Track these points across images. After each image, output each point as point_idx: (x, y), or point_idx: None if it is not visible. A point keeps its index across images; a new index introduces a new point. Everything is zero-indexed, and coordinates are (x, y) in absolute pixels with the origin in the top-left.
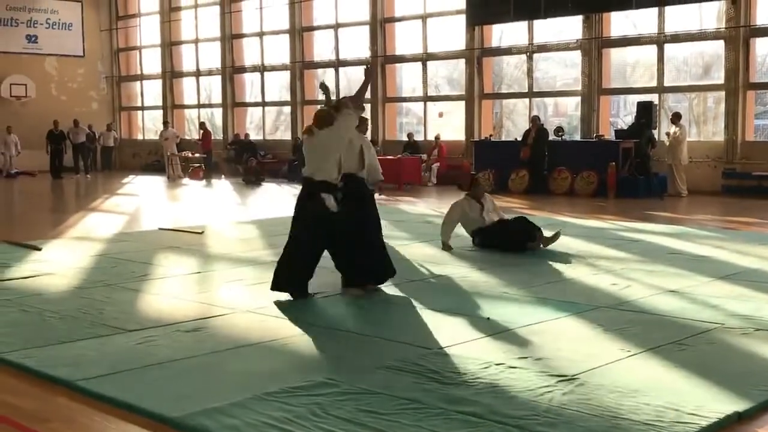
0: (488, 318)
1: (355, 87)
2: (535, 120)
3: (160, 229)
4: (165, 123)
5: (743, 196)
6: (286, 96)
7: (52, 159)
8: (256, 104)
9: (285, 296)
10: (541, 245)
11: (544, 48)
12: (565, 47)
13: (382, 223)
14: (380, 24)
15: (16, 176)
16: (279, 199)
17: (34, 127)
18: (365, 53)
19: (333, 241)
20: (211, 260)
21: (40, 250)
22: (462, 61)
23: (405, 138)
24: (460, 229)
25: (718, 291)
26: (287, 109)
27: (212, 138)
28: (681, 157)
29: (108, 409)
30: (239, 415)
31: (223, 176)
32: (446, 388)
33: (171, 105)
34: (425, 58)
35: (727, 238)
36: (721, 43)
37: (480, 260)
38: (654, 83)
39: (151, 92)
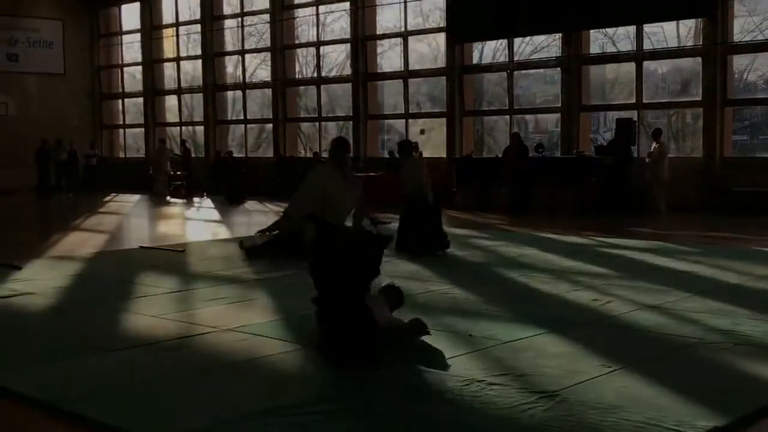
0: (470, 334)
1: (337, 105)
2: (515, 137)
3: (141, 247)
4: (162, 141)
5: (722, 212)
6: (268, 113)
7: (41, 178)
8: (238, 122)
9: (267, 316)
10: None
11: (524, 65)
12: (544, 64)
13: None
14: (361, 41)
15: None
16: (261, 217)
17: (14, 146)
18: (347, 70)
19: None
20: (193, 279)
21: (20, 269)
22: (443, 79)
23: (386, 155)
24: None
25: (697, 306)
26: (269, 126)
27: (192, 155)
28: (661, 174)
29: (89, 430)
30: None
31: (205, 194)
32: (427, 406)
33: (153, 123)
34: (407, 75)
35: (707, 253)
36: (698, 59)
37: (461, 277)
38: (633, 100)
39: (133, 110)
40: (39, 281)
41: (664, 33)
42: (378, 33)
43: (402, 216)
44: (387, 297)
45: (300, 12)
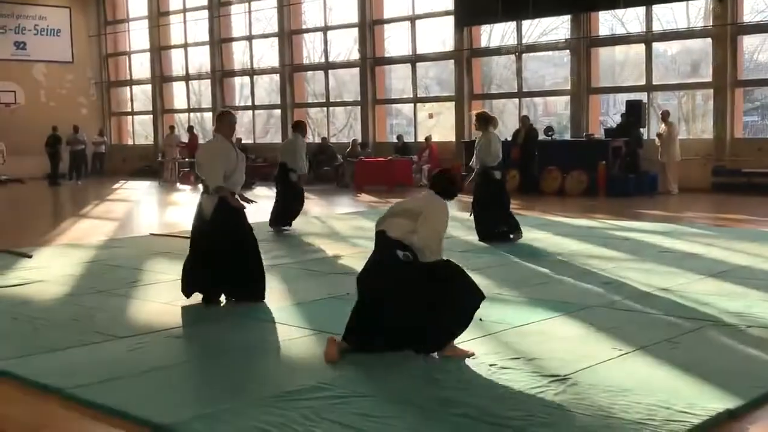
0: (481, 319)
1: (345, 90)
2: (524, 120)
3: (151, 234)
4: (171, 128)
5: (733, 193)
6: (276, 99)
7: (53, 165)
8: (245, 107)
9: (278, 302)
10: None
11: (532, 48)
12: (553, 47)
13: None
14: (369, 26)
15: (5, 183)
16: (269, 203)
17: (23, 134)
18: (355, 55)
19: None
20: None
21: (30, 257)
22: (451, 62)
23: (395, 140)
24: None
25: (709, 288)
26: (277, 112)
27: (198, 142)
28: (672, 155)
29: (101, 416)
30: (233, 421)
31: None
32: (440, 390)
33: (161, 110)
34: (414, 59)
35: (718, 235)
36: (708, 40)
37: (471, 261)
38: (643, 81)
39: (141, 97)
40: (49, 269)
41: (673, 14)
42: (385, 17)
43: (475, 196)
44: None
45: None
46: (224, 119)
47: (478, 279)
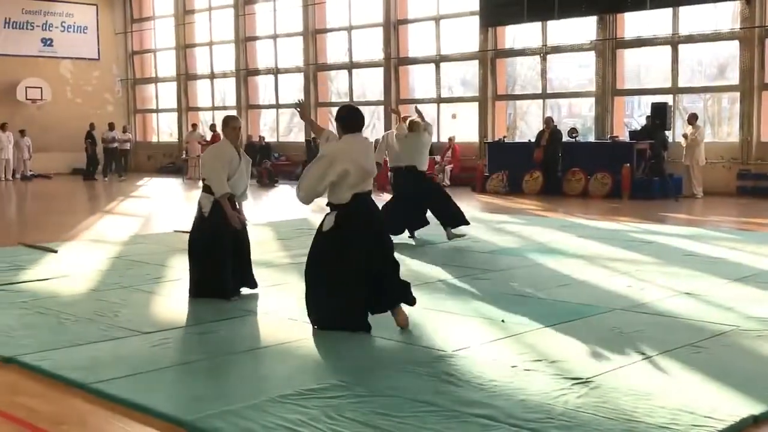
0: (503, 320)
1: (368, 90)
2: (548, 121)
3: (175, 231)
4: (193, 125)
5: (758, 197)
6: (300, 98)
7: (89, 161)
8: (269, 106)
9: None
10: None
11: (557, 49)
12: (579, 48)
13: None
14: (393, 26)
15: (32, 179)
16: (293, 201)
17: (49, 130)
18: (379, 55)
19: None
20: None
21: (56, 252)
22: (475, 63)
23: None
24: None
25: (733, 293)
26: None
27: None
28: (698, 158)
29: (123, 411)
30: (254, 418)
31: None
32: (460, 391)
33: (185, 108)
34: (438, 59)
35: (743, 239)
36: (735, 43)
37: (494, 262)
38: (668, 84)
39: (166, 95)
40: (74, 264)
41: (700, 16)
42: (410, 17)
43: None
44: None
45: None
46: (229, 124)
47: (499, 279)
